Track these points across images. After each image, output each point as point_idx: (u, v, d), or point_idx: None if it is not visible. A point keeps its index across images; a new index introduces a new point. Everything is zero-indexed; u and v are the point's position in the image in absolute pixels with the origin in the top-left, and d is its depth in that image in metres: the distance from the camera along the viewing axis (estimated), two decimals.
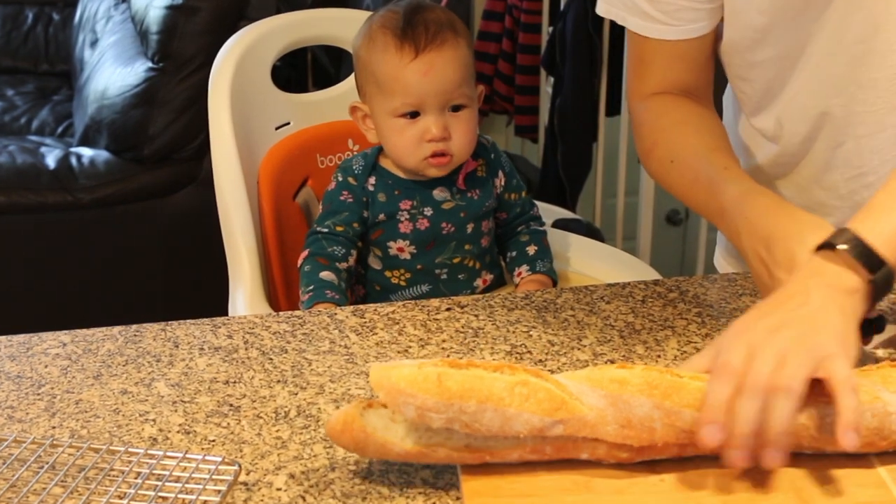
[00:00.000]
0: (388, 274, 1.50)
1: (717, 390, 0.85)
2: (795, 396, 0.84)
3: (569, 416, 0.84)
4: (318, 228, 1.48)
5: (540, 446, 0.86)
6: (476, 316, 1.17)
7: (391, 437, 0.85)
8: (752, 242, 1.08)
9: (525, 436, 0.84)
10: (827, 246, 0.97)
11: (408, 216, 1.47)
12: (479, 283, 1.53)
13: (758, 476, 0.87)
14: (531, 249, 1.57)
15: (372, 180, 1.49)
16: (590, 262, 1.70)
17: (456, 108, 1.44)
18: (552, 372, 1.05)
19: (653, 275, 1.61)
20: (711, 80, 1.32)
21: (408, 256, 1.49)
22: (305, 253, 1.47)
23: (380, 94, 1.44)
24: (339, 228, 1.47)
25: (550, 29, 3.00)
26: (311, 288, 1.42)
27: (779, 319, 0.90)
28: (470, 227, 1.50)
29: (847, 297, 0.94)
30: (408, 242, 1.48)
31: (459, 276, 1.51)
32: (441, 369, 0.84)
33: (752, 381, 0.85)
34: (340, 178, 1.50)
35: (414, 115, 1.43)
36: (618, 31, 2.81)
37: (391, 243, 1.48)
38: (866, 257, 0.95)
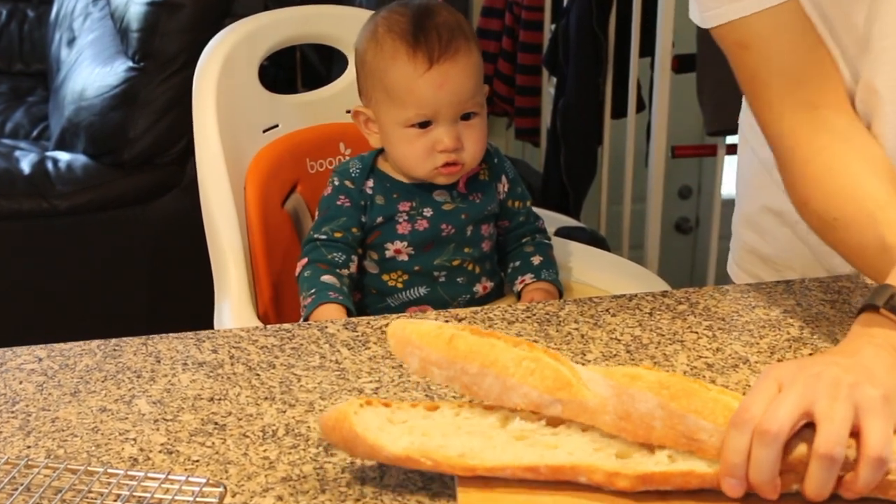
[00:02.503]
0: (384, 277, 1.51)
1: (733, 438, 0.84)
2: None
3: (569, 398, 0.87)
4: (316, 236, 1.48)
5: (535, 464, 0.86)
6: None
7: (383, 439, 0.87)
8: None
9: (522, 409, 0.88)
10: (869, 307, 0.96)
11: (406, 217, 1.48)
12: (478, 288, 1.53)
13: None
14: (536, 259, 1.57)
15: (370, 183, 1.50)
16: (594, 272, 1.70)
17: (467, 116, 1.45)
18: None
19: (661, 286, 1.62)
20: (842, 95, 1.20)
21: (405, 258, 1.49)
22: (304, 261, 1.48)
23: (389, 102, 1.45)
24: (337, 235, 1.48)
25: (553, 26, 3.01)
26: (312, 291, 1.43)
27: (819, 363, 0.89)
28: (470, 230, 1.51)
29: None
30: (405, 244, 1.49)
31: (458, 280, 1.52)
32: (457, 332, 0.89)
33: (766, 425, 0.83)
34: (337, 183, 1.51)
35: (424, 124, 1.44)
36: (623, 28, 2.82)
37: (388, 244, 1.49)
38: None
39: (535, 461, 0.87)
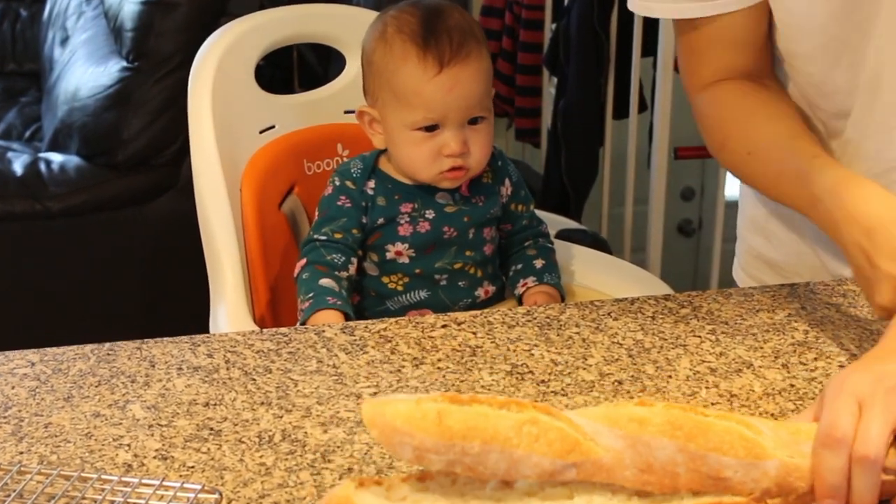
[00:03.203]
0: (384, 280, 1.51)
1: (828, 459, 0.83)
2: None
3: (582, 459, 0.82)
4: (316, 236, 1.48)
5: None
6: (474, 333, 1.17)
7: None
8: (851, 232, 1.08)
9: (534, 480, 0.83)
10: None
11: (408, 219, 1.48)
12: (480, 292, 1.53)
13: None
14: (538, 263, 1.57)
15: (371, 184, 1.50)
16: (596, 275, 1.70)
17: (474, 121, 1.45)
18: (556, 394, 1.06)
19: (663, 289, 1.62)
20: (771, 61, 1.30)
21: (406, 260, 1.50)
22: (303, 262, 1.48)
23: (396, 104, 1.45)
24: (337, 235, 1.48)
25: (553, 25, 3.01)
26: (310, 295, 1.43)
27: (891, 370, 0.87)
28: (472, 233, 1.51)
29: None
30: (406, 246, 1.49)
31: (460, 284, 1.52)
32: (441, 405, 0.81)
33: (864, 450, 0.82)
34: (338, 183, 1.51)
35: (431, 128, 1.44)
36: (626, 27, 2.82)
37: (389, 246, 1.49)
38: None
39: None
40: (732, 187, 3.09)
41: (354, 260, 1.49)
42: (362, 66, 1.52)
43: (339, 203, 1.49)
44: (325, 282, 1.44)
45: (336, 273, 1.46)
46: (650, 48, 2.74)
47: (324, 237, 1.48)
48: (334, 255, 1.47)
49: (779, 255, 1.40)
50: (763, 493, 0.84)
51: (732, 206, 2.54)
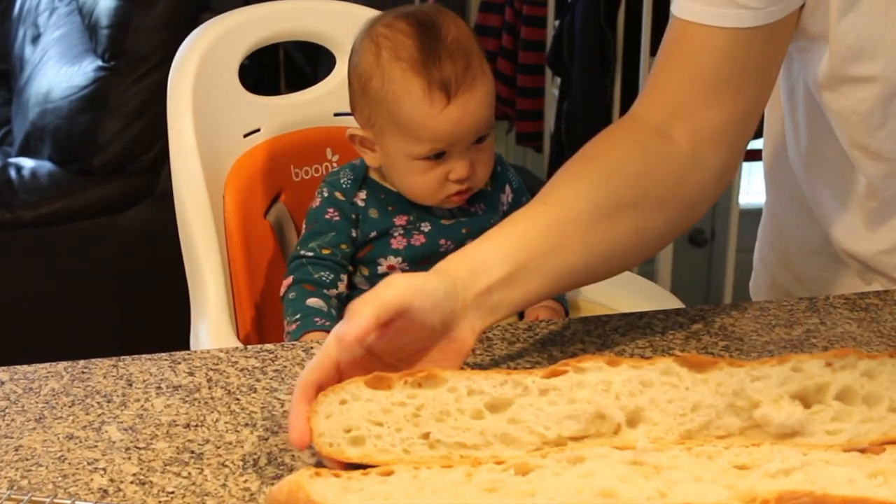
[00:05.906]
0: None
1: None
2: None
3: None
4: (303, 252, 1.48)
5: None
6: (472, 350, 1.17)
7: None
8: None
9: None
10: None
11: (402, 232, 1.48)
12: None
13: None
14: None
15: (362, 195, 1.50)
16: (601, 288, 1.69)
17: (478, 139, 1.45)
18: None
19: (674, 303, 1.62)
20: (751, 130, 1.19)
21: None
22: (289, 280, 1.47)
23: (398, 134, 1.43)
24: (325, 251, 1.47)
25: (557, 22, 3.02)
26: (297, 317, 1.43)
27: None
28: None
29: None
30: (400, 259, 1.48)
31: None
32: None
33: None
34: (326, 194, 1.50)
35: (438, 155, 1.44)
36: (633, 25, 2.83)
37: (381, 260, 1.49)
38: None
39: None
40: (746, 195, 3.09)
41: (344, 276, 1.49)
42: (351, 83, 1.49)
43: (328, 216, 1.49)
44: (313, 301, 1.44)
45: (325, 292, 1.46)
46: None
47: (311, 253, 1.48)
48: (322, 273, 1.46)
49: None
50: None
51: (746, 216, 2.53)
